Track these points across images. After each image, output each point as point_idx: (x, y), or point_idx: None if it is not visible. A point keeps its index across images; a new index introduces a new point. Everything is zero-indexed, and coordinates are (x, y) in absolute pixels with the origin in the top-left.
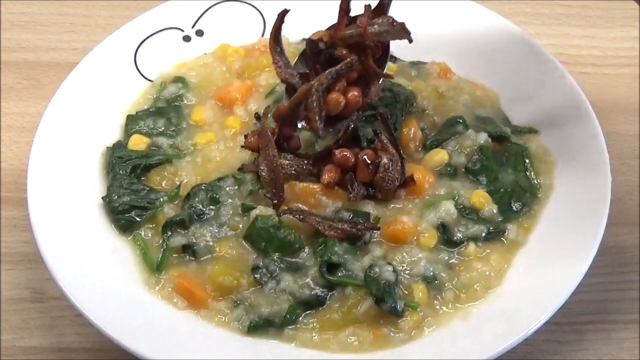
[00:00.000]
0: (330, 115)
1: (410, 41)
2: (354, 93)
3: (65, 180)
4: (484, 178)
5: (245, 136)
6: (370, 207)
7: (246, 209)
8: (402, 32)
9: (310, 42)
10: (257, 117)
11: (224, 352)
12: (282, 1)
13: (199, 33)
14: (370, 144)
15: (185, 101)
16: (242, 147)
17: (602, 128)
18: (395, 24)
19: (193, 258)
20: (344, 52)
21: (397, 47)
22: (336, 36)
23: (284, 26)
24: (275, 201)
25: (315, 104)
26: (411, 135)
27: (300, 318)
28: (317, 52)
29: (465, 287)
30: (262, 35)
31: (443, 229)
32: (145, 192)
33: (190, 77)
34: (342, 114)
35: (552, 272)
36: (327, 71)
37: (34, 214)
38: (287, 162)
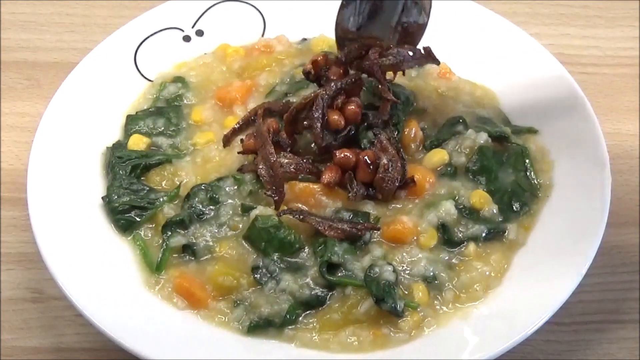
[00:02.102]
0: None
1: (438, 63)
2: (352, 107)
3: (65, 180)
4: (484, 178)
5: (242, 140)
6: (370, 207)
7: (246, 209)
8: (426, 58)
9: (305, 74)
10: (251, 121)
11: (224, 352)
12: (282, 1)
13: (199, 33)
14: (371, 145)
15: (185, 101)
16: (239, 153)
17: (602, 128)
18: (415, 53)
19: (193, 258)
20: (340, 71)
21: None
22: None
23: (284, 26)
24: (276, 198)
25: (318, 113)
26: (412, 136)
27: (300, 318)
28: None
29: (465, 287)
30: (262, 35)
31: (443, 229)
32: (145, 192)
33: (190, 77)
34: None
35: (552, 272)
36: (331, 84)
37: (34, 214)
38: (286, 160)
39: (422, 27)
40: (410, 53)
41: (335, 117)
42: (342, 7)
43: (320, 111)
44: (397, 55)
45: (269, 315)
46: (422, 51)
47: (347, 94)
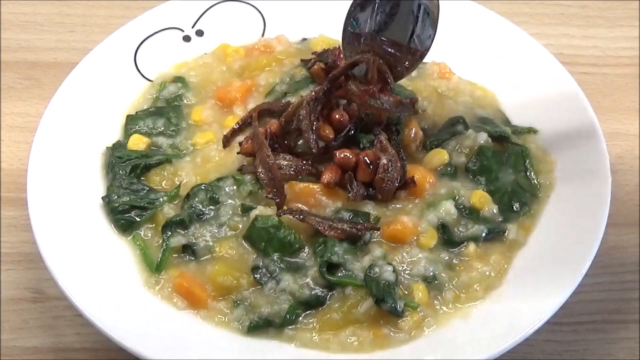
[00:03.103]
0: None
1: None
2: (337, 117)
3: (65, 180)
4: (484, 178)
5: (240, 143)
6: (370, 207)
7: (246, 209)
8: (408, 108)
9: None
10: (249, 123)
11: (224, 352)
12: (282, 1)
13: (199, 33)
14: (371, 145)
15: (185, 101)
16: (238, 153)
17: (602, 128)
18: (402, 103)
19: (193, 258)
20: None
21: None
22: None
23: (284, 26)
24: (278, 200)
25: (307, 121)
26: (412, 136)
27: (300, 318)
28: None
29: (465, 287)
30: (262, 35)
31: (443, 229)
32: (145, 192)
33: (190, 77)
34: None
35: (552, 272)
36: (316, 88)
37: (34, 214)
38: (285, 162)
39: (424, 54)
40: (393, 104)
41: (325, 133)
42: (352, 11)
43: (308, 119)
44: (386, 102)
45: (269, 315)
46: (409, 101)
47: (334, 98)
